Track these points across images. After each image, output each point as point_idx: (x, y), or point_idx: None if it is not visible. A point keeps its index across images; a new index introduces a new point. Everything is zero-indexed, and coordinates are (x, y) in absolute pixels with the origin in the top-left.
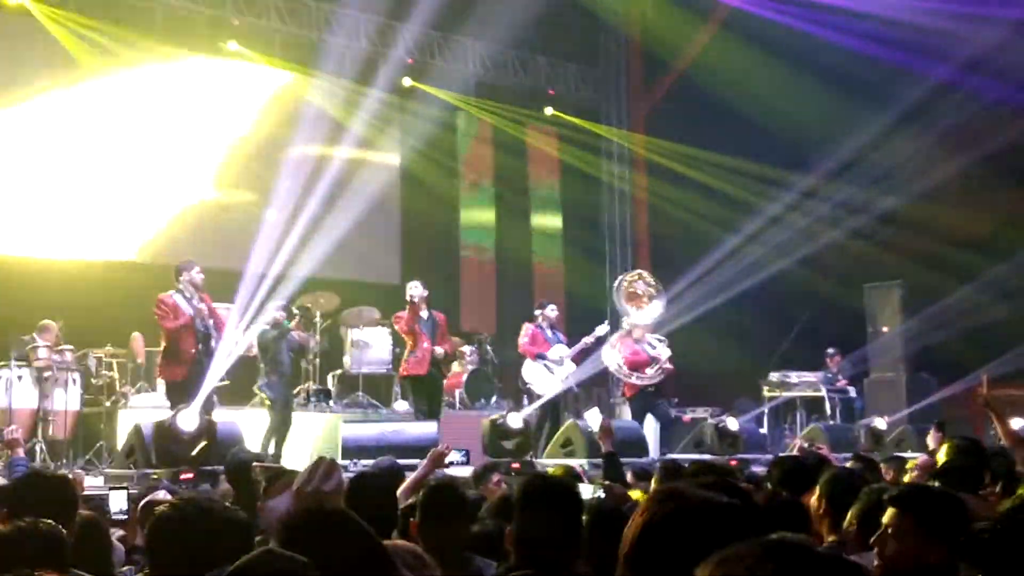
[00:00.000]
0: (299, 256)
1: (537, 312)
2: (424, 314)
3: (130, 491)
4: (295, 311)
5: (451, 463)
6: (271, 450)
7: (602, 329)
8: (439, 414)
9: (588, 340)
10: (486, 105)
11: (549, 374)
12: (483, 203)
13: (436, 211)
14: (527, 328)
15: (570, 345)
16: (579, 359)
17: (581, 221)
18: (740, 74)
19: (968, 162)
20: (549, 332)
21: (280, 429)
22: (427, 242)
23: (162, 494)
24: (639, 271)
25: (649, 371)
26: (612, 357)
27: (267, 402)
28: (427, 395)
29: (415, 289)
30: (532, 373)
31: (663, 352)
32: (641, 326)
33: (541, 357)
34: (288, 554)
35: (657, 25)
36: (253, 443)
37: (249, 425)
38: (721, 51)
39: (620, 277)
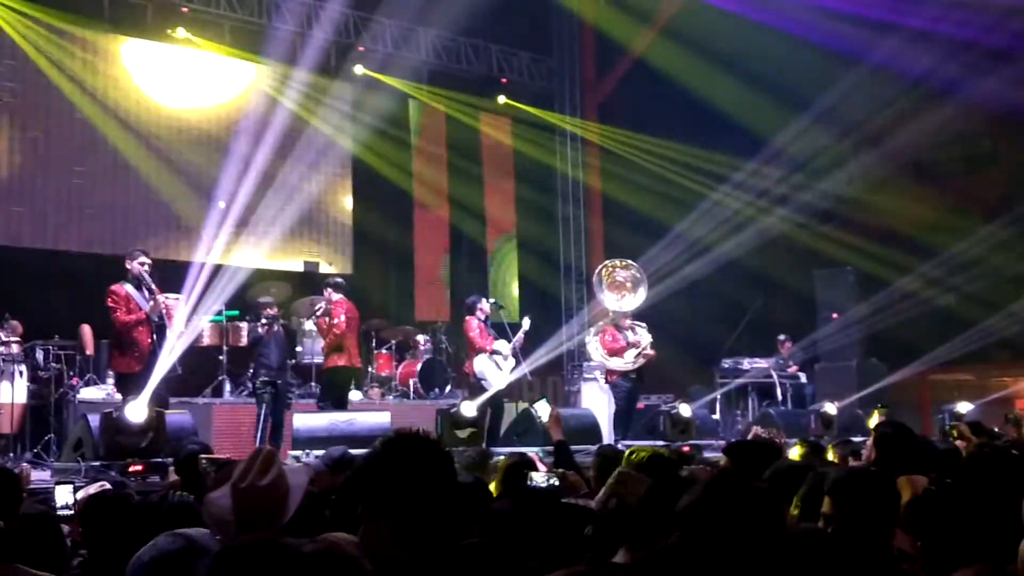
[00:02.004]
0: (250, 246)
1: (476, 306)
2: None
3: (76, 485)
4: (265, 319)
5: None
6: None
7: (526, 323)
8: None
9: (520, 337)
10: (439, 93)
11: (498, 368)
12: (436, 192)
13: (388, 200)
14: (473, 322)
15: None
16: (515, 354)
17: (535, 209)
18: (693, 63)
19: (916, 150)
20: (486, 327)
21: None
22: (380, 231)
23: (96, 487)
24: (623, 260)
25: (628, 356)
26: (593, 345)
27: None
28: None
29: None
30: (485, 367)
31: (644, 338)
32: (623, 313)
33: (496, 352)
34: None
35: (610, 13)
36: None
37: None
38: (674, 40)
39: (599, 266)
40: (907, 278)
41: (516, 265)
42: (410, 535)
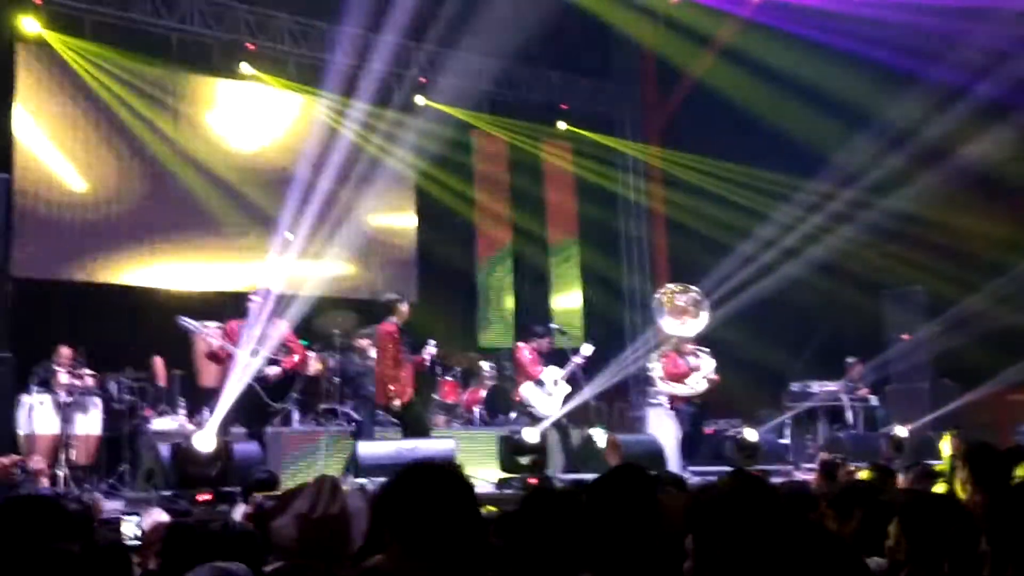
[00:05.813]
0: (315, 276)
1: (531, 333)
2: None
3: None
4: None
5: None
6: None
7: (587, 349)
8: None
9: (577, 360)
10: (500, 121)
11: (547, 396)
12: (498, 218)
13: (452, 228)
14: (524, 349)
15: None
16: (570, 381)
17: (598, 235)
18: (753, 84)
19: (983, 166)
20: (539, 355)
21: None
22: (443, 259)
23: (156, 512)
24: (682, 284)
25: (690, 381)
26: (655, 370)
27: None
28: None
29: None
30: (531, 394)
31: (706, 363)
32: (686, 338)
33: (540, 382)
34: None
35: (670, 37)
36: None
37: None
38: (734, 62)
39: (659, 292)
40: (978, 296)
41: (579, 290)
42: (425, 559)
